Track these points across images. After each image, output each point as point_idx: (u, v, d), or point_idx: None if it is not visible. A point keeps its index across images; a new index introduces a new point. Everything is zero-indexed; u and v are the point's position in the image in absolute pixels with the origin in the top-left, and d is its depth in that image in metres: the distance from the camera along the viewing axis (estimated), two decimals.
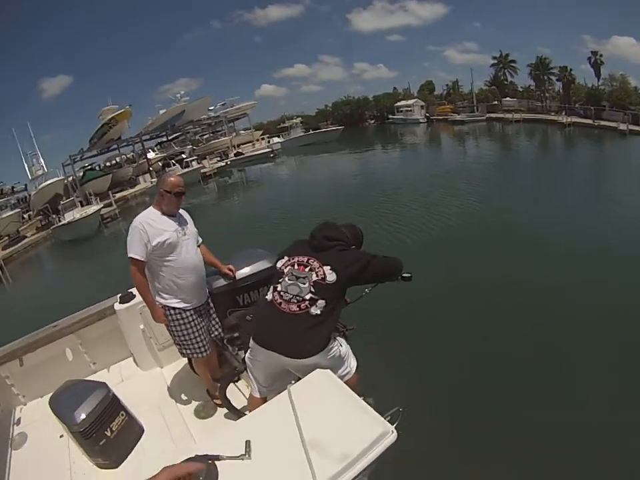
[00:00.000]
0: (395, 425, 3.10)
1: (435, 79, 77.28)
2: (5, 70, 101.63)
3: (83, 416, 3.32)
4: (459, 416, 4.90)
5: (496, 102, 55.74)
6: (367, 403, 3.37)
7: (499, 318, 6.94)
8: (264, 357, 2.98)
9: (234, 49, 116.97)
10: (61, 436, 3.61)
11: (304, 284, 2.90)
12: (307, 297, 2.86)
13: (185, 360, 4.36)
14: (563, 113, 41.69)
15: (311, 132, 57.27)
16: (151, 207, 3.71)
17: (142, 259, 3.49)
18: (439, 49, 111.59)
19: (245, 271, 4.03)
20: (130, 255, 3.48)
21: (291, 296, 2.89)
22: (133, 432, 3.66)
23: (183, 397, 4.27)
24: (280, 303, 2.92)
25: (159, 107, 58.24)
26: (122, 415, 3.60)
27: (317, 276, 2.91)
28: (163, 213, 3.64)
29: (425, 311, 7.46)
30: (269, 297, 3.04)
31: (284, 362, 2.91)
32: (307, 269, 2.96)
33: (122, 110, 50.99)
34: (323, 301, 2.86)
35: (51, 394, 3.65)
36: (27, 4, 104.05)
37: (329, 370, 2.82)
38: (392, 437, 2.35)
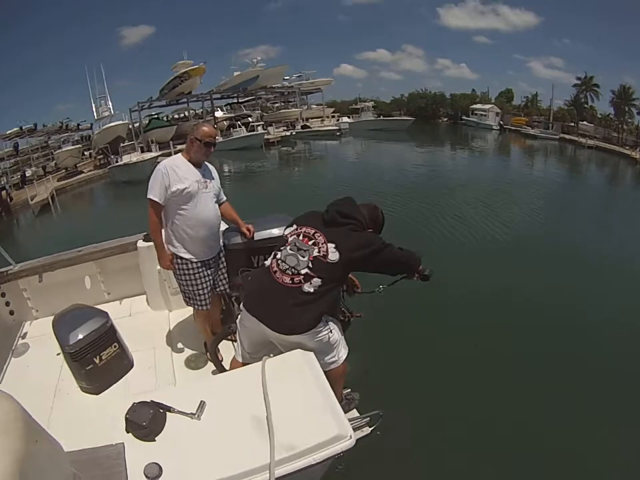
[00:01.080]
0: (372, 428, 3.19)
1: (515, 88, 74.20)
2: (90, 14, 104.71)
3: (76, 339, 3.44)
4: (443, 434, 4.62)
5: (572, 124, 53.25)
6: (351, 397, 3.46)
7: (522, 340, 6.43)
8: (250, 324, 2.90)
9: (319, 24, 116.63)
10: (58, 354, 3.69)
11: (303, 257, 2.77)
12: (303, 271, 2.74)
13: None
14: (638, 150, 39.09)
15: (381, 118, 56.76)
16: (179, 154, 3.75)
17: (160, 202, 3.53)
18: (525, 58, 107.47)
19: (265, 233, 3.94)
20: (149, 196, 3.52)
21: (288, 267, 2.79)
22: (121, 365, 3.74)
23: (180, 344, 4.32)
24: (275, 272, 2.83)
25: (233, 69, 59.54)
26: (115, 346, 3.67)
27: (319, 252, 2.77)
28: (190, 161, 3.66)
29: (441, 316, 7.06)
30: (267, 262, 2.96)
31: (268, 333, 2.81)
32: (310, 242, 2.82)
33: (196, 66, 52.18)
34: (319, 280, 2.72)
35: None
36: None
37: (312, 353, 2.71)
38: (348, 442, 2.18)
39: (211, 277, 3.81)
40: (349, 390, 3.48)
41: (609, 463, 4.32)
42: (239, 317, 3.05)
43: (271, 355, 2.71)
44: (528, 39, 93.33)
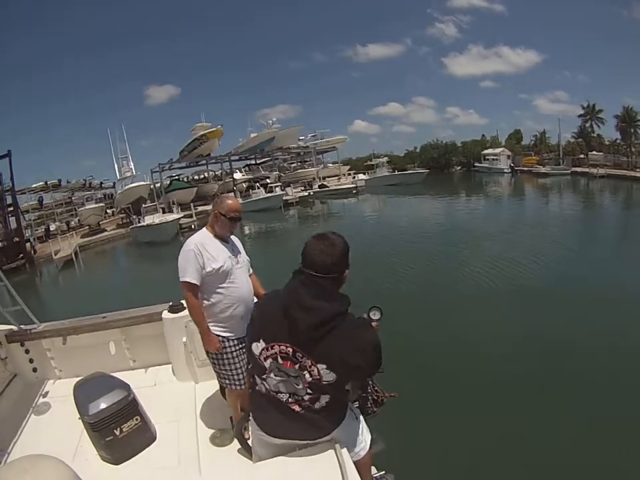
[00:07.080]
0: None
1: (524, 127, 76.65)
2: (117, 75, 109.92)
3: (96, 410, 3.41)
4: None
5: (582, 155, 53.93)
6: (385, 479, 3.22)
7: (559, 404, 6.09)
8: (268, 438, 2.55)
9: (333, 82, 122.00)
10: (79, 418, 3.60)
11: (298, 385, 2.35)
12: (306, 397, 2.38)
13: None
14: None
15: (396, 172, 57.98)
16: (204, 229, 3.56)
17: (197, 283, 3.34)
18: (529, 97, 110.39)
19: None
20: (184, 279, 3.33)
21: (288, 395, 2.42)
22: (143, 438, 3.65)
23: (206, 418, 4.12)
24: (279, 402, 2.48)
25: (250, 130, 61.38)
26: (136, 419, 3.61)
27: (311, 376, 2.32)
28: (216, 236, 3.49)
29: (469, 380, 6.71)
30: (261, 389, 2.52)
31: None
32: (296, 366, 2.33)
33: (214, 128, 54.29)
34: (327, 396, 2.38)
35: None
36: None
37: (338, 445, 2.46)
38: None
39: (245, 355, 3.55)
40: (383, 472, 3.19)
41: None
42: (251, 429, 2.78)
43: (297, 449, 2.52)
44: (531, 77, 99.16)
